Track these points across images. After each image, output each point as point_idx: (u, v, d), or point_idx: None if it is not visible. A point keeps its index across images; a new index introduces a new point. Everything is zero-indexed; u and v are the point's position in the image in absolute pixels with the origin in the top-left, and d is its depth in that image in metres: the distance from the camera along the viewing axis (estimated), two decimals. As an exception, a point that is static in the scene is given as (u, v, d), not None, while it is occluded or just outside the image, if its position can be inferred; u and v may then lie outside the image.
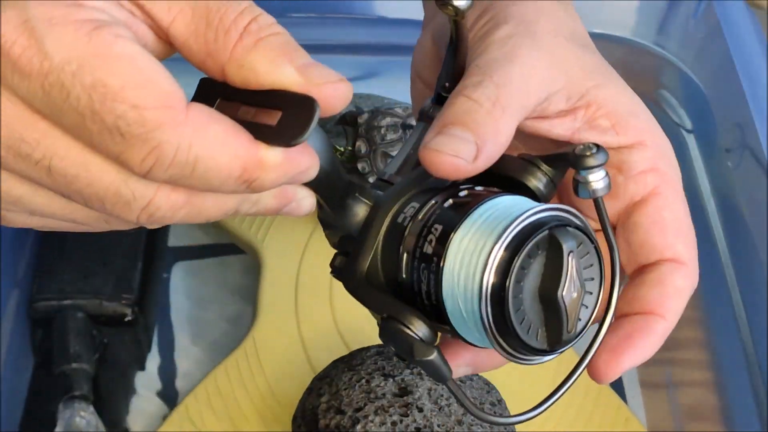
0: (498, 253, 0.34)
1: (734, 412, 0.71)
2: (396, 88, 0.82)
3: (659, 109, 0.89)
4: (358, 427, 0.53)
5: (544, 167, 0.38)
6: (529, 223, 0.34)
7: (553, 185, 0.39)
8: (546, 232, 0.34)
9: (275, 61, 0.32)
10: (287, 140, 0.32)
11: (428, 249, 0.36)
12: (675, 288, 0.40)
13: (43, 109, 0.31)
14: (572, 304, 0.35)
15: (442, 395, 0.54)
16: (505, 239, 0.34)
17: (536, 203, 0.36)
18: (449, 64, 0.41)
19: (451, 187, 0.38)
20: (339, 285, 0.41)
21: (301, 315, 0.71)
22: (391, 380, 0.55)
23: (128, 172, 0.31)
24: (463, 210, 0.36)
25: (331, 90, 0.32)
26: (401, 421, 0.53)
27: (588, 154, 0.36)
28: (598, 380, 0.39)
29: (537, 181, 0.38)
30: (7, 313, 0.71)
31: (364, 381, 0.56)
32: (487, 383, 0.58)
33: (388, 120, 0.74)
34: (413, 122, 0.75)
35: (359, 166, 0.73)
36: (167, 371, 0.73)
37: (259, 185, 0.32)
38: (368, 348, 0.60)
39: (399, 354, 0.36)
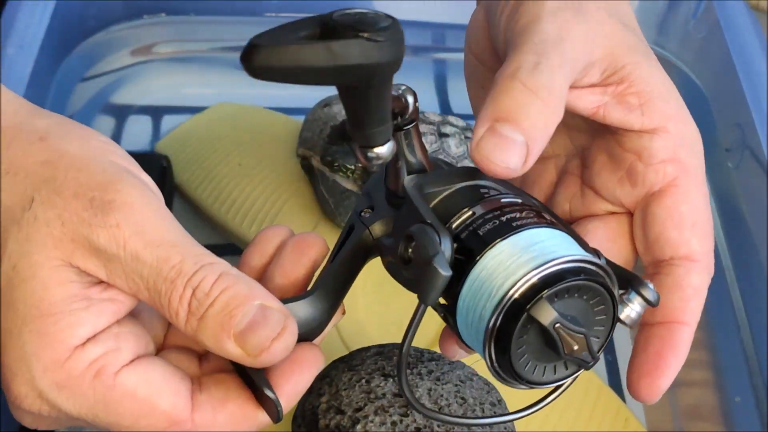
0: (532, 279, 0.36)
1: (734, 412, 0.71)
2: (396, 88, 0.81)
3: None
4: (358, 427, 0.53)
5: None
6: (571, 267, 0.36)
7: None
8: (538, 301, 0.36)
9: (217, 339, 0.36)
10: (272, 417, 0.39)
11: (485, 229, 0.38)
12: (693, 289, 0.41)
13: None
14: (577, 351, 0.36)
15: (441, 395, 0.54)
16: (544, 270, 0.36)
17: (582, 252, 0.37)
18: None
19: (531, 197, 0.40)
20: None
21: (301, 315, 0.71)
22: (391, 380, 0.55)
23: None
24: (527, 222, 0.38)
25: (269, 356, 0.36)
26: (401, 421, 0.53)
27: (648, 287, 0.38)
28: (643, 402, 0.42)
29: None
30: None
31: (364, 381, 0.55)
32: (487, 383, 0.58)
33: None
34: None
35: None
36: (167, 371, 0.72)
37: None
38: (368, 348, 0.60)
39: (415, 257, 0.38)
